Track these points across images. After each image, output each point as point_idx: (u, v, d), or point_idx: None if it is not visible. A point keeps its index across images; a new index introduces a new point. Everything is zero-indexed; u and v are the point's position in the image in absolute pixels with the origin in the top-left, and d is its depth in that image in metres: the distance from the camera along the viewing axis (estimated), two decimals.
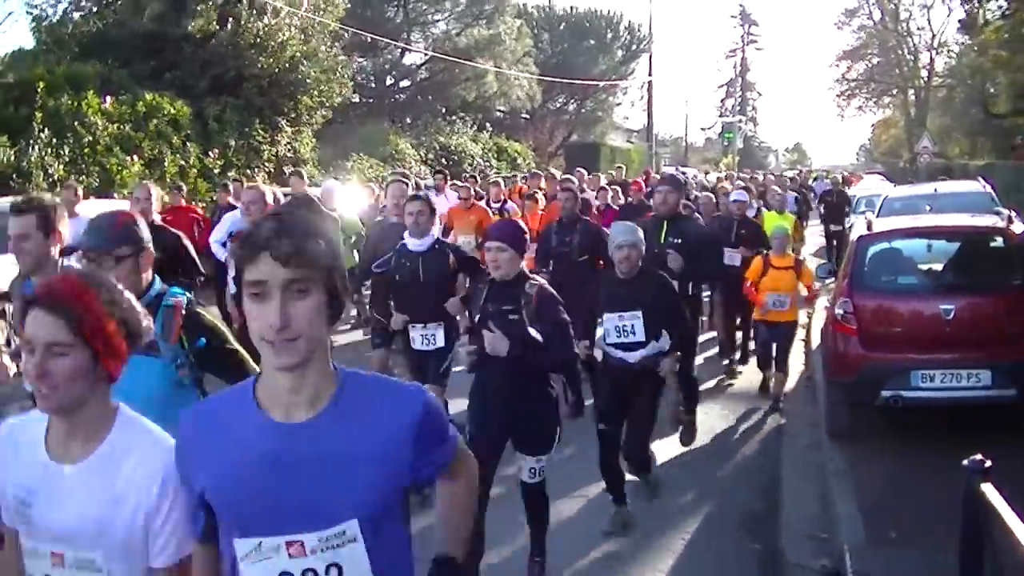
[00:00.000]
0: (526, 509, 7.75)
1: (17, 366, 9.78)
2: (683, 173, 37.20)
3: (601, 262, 11.79)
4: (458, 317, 9.65)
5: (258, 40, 33.14)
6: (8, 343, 9.67)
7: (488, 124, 57.06)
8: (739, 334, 15.62)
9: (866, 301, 11.20)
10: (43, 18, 31.84)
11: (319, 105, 36.39)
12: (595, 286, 9.26)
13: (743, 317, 15.03)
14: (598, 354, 9.29)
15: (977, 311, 10.75)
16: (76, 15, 33.07)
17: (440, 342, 9.49)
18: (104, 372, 3.44)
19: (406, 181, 12.85)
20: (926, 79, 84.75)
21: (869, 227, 12.24)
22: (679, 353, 9.17)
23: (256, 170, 32.14)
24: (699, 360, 14.10)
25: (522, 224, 7.68)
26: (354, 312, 18.03)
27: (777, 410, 12.88)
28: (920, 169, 45.26)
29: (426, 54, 61.38)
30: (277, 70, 33.82)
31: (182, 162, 28.49)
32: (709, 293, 15.71)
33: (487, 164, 49.67)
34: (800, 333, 16.94)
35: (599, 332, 9.16)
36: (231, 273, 9.34)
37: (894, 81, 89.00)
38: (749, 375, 14.42)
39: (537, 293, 7.18)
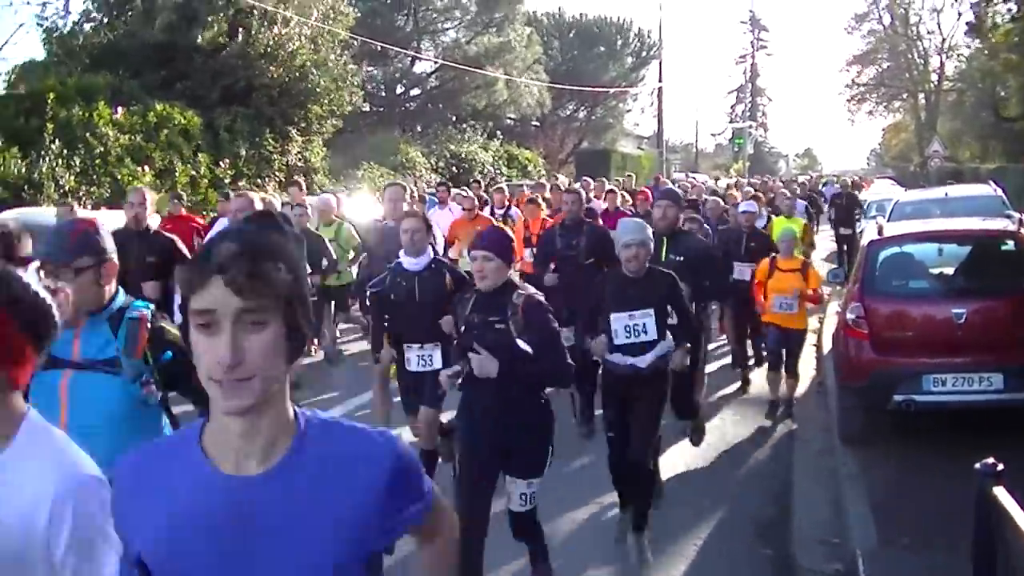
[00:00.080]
0: (516, 538, 7.40)
1: None
2: (692, 179, 37.12)
3: (605, 267, 11.38)
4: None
5: (268, 50, 33.20)
6: None
7: (499, 132, 57.05)
8: (749, 343, 15.37)
9: (878, 305, 11.19)
10: (54, 30, 31.92)
11: (329, 114, 36.46)
12: (600, 286, 8.79)
13: (754, 328, 14.66)
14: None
15: (989, 315, 10.73)
16: (87, 27, 33.15)
17: (437, 363, 8.94)
18: (4, 377, 2.97)
19: (403, 184, 12.89)
20: (936, 83, 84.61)
21: (880, 231, 12.23)
22: (689, 345, 8.78)
23: (267, 179, 32.23)
24: (710, 368, 14.13)
25: (509, 232, 7.37)
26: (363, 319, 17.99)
27: (790, 415, 12.83)
28: (931, 173, 45.20)
29: (436, 62, 61.41)
30: (287, 79, 33.90)
31: (193, 172, 28.57)
32: (717, 306, 15.56)
33: (498, 172, 49.71)
34: (811, 338, 16.95)
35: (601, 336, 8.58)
36: None
37: (904, 85, 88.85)
38: (761, 381, 14.38)
39: (524, 303, 6.88)
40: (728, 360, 15.65)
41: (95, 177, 25.12)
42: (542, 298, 7.14)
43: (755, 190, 24.82)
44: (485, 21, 63.29)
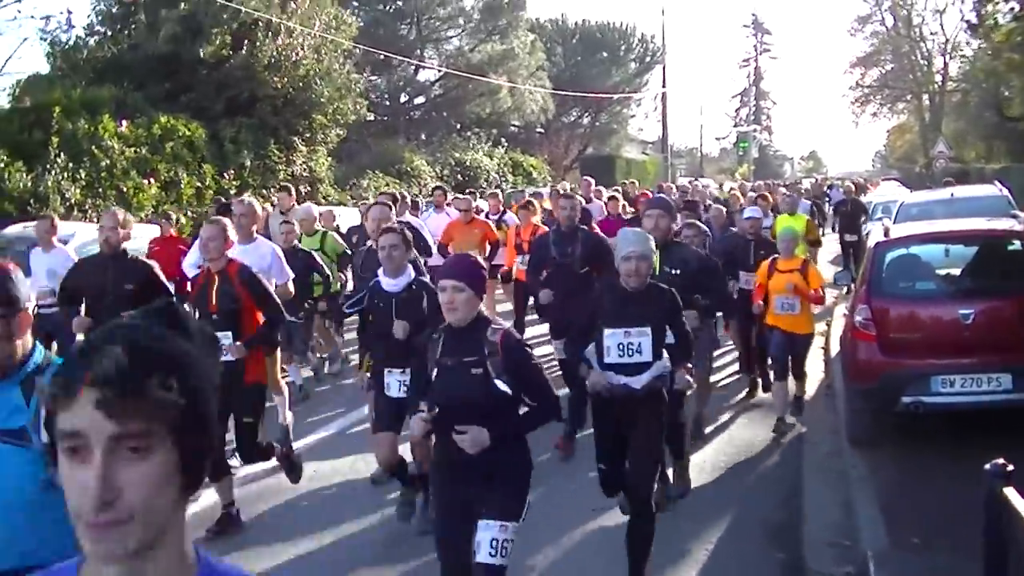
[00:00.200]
0: None
1: None
2: (695, 183, 37.01)
3: (601, 275, 11.18)
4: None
5: (272, 61, 33.25)
6: None
7: (503, 139, 57.12)
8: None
9: (885, 307, 11.17)
10: (57, 43, 31.98)
11: (333, 123, 36.47)
12: (596, 298, 8.22)
13: (759, 333, 13.97)
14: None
15: (996, 315, 10.71)
16: (91, 40, 33.21)
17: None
18: None
19: (389, 204, 12.29)
20: (940, 84, 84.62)
21: (886, 233, 12.21)
22: (690, 365, 8.10)
23: (272, 190, 32.25)
24: (715, 378, 14.11)
25: (480, 261, 6.64)
26: None
27: (799, 412, 12.83)
28: (936, 174, 45.17)
29: (440, 70, 61.51)
30: (291, 90, 33.94)
31: (198, 183, 28.60)
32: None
33: (503, 179, 49.76)
34: (819, 341, 16.93)
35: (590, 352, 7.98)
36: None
37: (908, 86, 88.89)
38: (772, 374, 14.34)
39: (502, 341, 6.18)
40: (735, 365, 15.62)
41: (100, 190, 25.19)
42: (516, 333, 6.60)
43: (756, 194, 24.48)
44: (488, 29, 63.37)
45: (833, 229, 29.04)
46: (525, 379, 6.23)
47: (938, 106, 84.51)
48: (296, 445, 11.86)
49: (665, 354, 7.86)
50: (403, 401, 8.15)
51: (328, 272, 14.72)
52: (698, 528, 9.27)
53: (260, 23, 33.11)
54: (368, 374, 9.46)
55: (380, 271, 9.10)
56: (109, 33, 33.31)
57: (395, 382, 8.78)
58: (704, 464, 11.27)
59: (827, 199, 37.67)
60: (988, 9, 28.70)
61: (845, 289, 19.53)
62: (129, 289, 9.72)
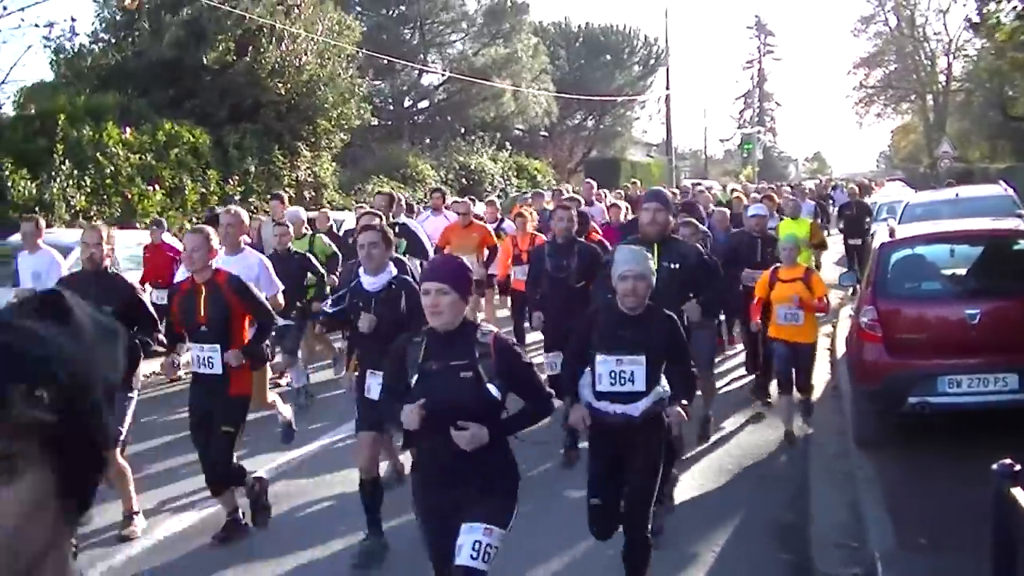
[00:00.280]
0: None
1: None
2: (698, 185, 36.85)
3: (589, 285, 10.92)
4: None
5: (276, 66, 33.26)
6: None
7: (507, 143, 57.00)
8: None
9: (890, 308, 11.17)
10: (61, 50, 32.01)
11: (337, 128, 36.48)
12: (589, 318, 7.71)
13: (763, 343, 13.60)
14: (585, 396, 7.45)
15: (1002, 315, 10.71)
16: (95, 47, 33.22)
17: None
18: None
19: (379, 215, 11.90)
20: (944, 83, 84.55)
21: (892, 234, 12.21)
22: (685, 402, 7.39)
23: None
24: (721, 383, 14.11)
25: (466, 263, 6.37)
26: None
27: (809, 412, 12.72)
28: (940, 174, 45.13)
29: (443, 75, 61.50)
30: (295, 95, 33.95)
31: (203, 190, 28.62)
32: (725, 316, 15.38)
33: (507, 183, 49.76)
34: (825, 342, 16.93)
35: (584, 378, 7.50)
36: None
37: (912, 87, 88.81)
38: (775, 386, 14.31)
39: (495, 344, 5.98)
40: (741, 370, 15.61)
41: (105, 196, 25.19)
42: (506, 335, 6.27)
43: (761, 194, 24.16)
44: (492, 32, 63.32)
45: (840, 229, 28.59)
46: (519, 379, 6.10)
47: (942, 106, 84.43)
48: (298, 453, 11.88)
49: (664, 379, 7.38)
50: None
51: (323, 272, 14.69)
52: (705, 529, 9.28)
53: (264, 29, 33.12)
54: (355, 375, 9.22)
55: (361, 270, 8.86)
56: (113, 40, 33.33)
57: (376, 385, 8.19)
58: (711, 466, 11.30)
59: (831, 200, 37.56)
60: (990, 8, 28.63)
61: (850, 290, 19.53)
62: (108, 310, 9.26)
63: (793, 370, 12.26)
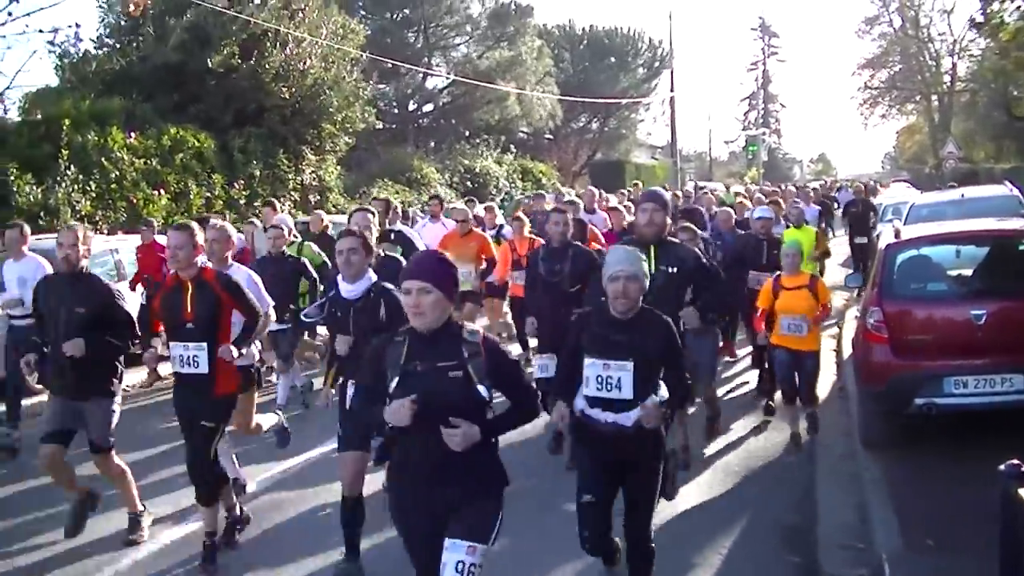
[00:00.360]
0: None
1: None
2: (702, 187, 36.77)
3: (583, 290, 10.47)
4: None
5: (280, 70, 33.29)
6: None
7: (512, 146, 57.08)
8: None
9: (896, 309, 11.14)
10: (66, 55, 32.06)
11: (342, 132, 36.50)
12: (582, 318, 7.27)
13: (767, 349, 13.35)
14: (577, 402, 7.06)
15: (1008, 315, 10.67)
16: (100, 53, 33.26)
17: None
18: None
19: (372, 211, 11.40)
20: (949, 84, 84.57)
21: (897, 235, 12.18)
22: (668, 410, 7.06)
23: (282, 199, 32.31)
24: (721, 391, 14.06)
25: (449, 259, 5.92)
26: None
27: (815, 430, 12.21)
28: (946, 175, 45.11)
29: (448, 78, 61.56)
30: (300, 99, 33.98)
31: (208, 194, 28.65)
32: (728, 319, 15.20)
33: (512, 186, 49.78)
34: (831, 343, 16.91)
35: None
36: None
37: (917, 87, 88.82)
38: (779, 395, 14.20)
39: (484, 344, 5.71)
40: (747, 374, 15.57)
41: (111, 201, 25.24)
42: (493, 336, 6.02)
43: (766, 197, 23.83)
44: (496, 35, 63.40)
45: (845, 227, 28.27)
46: (508, 379, 5.83)
47: (947, 107, 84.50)
48: (296, 460, 11.80)
49: (663, 387, 6.97)
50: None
51: (315, 276, 14.59)
52: (711, 531, 9.26)
53: (268, 33, 33.14)
54: (333, 390, 8.86)
55: (339, 277, 8.51)
56: (117, 45, 33.39)
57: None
58: (717, 467, 11.29)
59: (835, 202, 37.47)
60: (994, 8, 28.60)
61: (856, 292, 19.50)
62: (80, 312, 9.13)
63: (796, 376, 12.02)
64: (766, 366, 13.76)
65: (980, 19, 31.73)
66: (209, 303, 8.68)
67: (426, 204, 29.94)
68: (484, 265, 16.48)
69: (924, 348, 10.84)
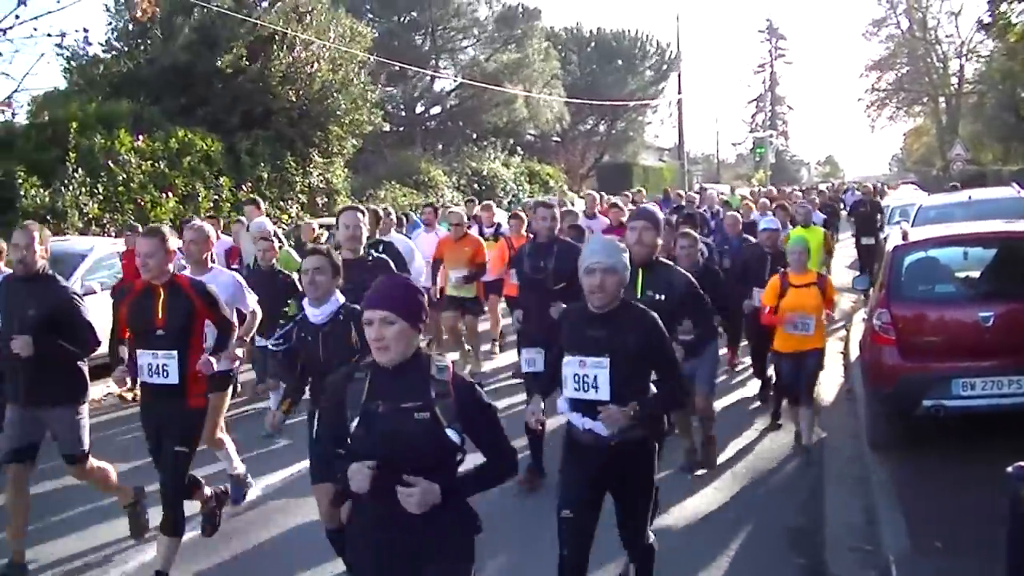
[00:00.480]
0: None
1: None
2: (705, 189, 36.68)
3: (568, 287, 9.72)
4: None
5: (288, 73, 33.32)
6: None
7: (519, 148, 57.11)
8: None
9: (904, 311, 11.13)
10: (75, 57, 32.11)
11: (349, 135, 36.51)
12: (564, 314, 6.96)
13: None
14: (561, 405, 6.71)
15: (1016, 317, 10.65)
16: (108, 56, 33.31)
17: None
18: None
19: (361, 210, 10.50)
20: (956, 86, 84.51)
21: (905, 237, 12.16)
22: (651, 412, 6.47)
23: (289, 202, 32.34)
24: (716, 402, 14.00)
25: (417, 285, 5.37)
26: None
27: (809, 451, 11.63)
28: (953, 177, 45.04)
29: (455, 80, 61.62)
30: (307, 101, 34.00)
31: (216, 197, 28.68)
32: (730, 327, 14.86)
33: (519, 188, 49.79)
34: (838, 345, 16.89)
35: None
36: None
37: (924, 89, 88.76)
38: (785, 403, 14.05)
39: (454, 381, 5.00)
40: (747, 377, 15.49)
41: (118, 204, 25.27)
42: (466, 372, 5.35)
43: (771, 201, 23.25)
44: (503, 38, 63.50)
45: (851, 226, 27.92)
46: (480, 428, 5.08)
47: (954, 108, 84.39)
48: (285, 473, 11.62)
49: (653, 390, 6.53)
50: None
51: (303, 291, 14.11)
52: (719, 532, 9.26)
53: (276, 36, 33.17)
54: (284, 415, 8.26)
55: (306, 301, 7.97)
56: (125, 49, 33.44)
57: None
58: (724, 469, 11.27)
59: (842, 204, 37.40)
60: (1002, 9, 28.60)
61: (863, 294, 19.45)
62: (32, 316, 8.60)
63: (798, 376, 11.72)
64: (768, 376, 13.57)
65: (988, 20, 31.72)
66: (182, 310, 8.25)
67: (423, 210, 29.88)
68: (475, 271, 16.21)
69: (932, 350, 10.83)
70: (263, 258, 13.35)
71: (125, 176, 25.66)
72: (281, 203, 31.98)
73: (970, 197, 19.78)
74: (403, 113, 61.78)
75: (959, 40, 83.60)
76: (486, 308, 17.82)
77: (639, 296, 7.81)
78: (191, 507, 9.02)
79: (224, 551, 9.33)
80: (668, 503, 9.56)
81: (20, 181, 22.94)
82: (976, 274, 12.24)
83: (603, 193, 28.57)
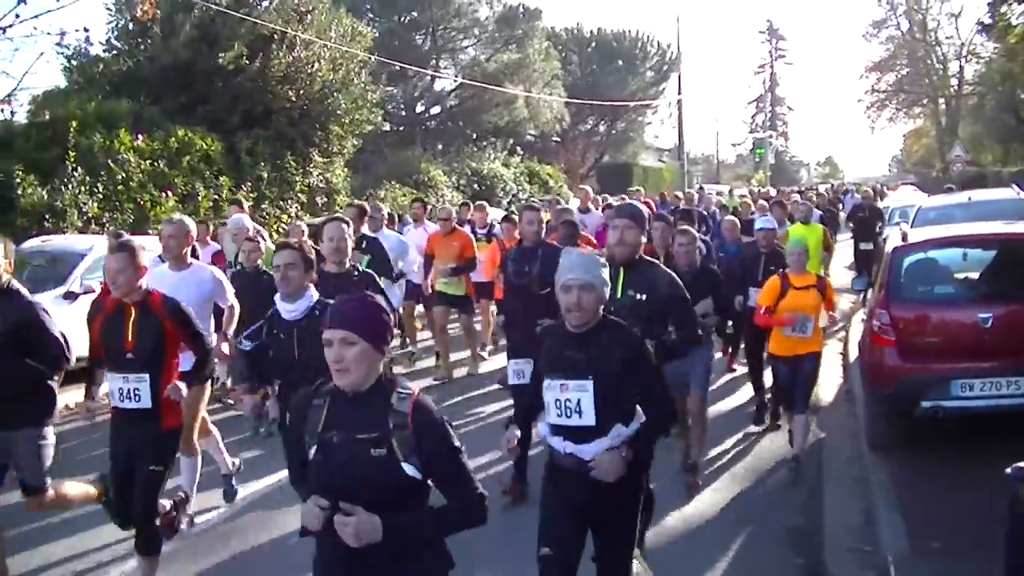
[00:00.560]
0: None
1: None
2: (702, 189, 36.65)
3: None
4: None
5: (288, 72, 33.30)
6: None
7: (519, 148, 57.08)
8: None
9: (903, 312, 11.14)
10: (75, 56, 32.09)
11: (349, 134, 36.49)
12: (542, 334, 6.38)
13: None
14: (541, 429, 6.25)
15: (1015, 318, 10.66)
16: (108, 55, 33.29)
17: None
18: None
19: (346, 220, 9.97)
20: (956, 87, 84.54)
21: (904, 238, 12.18)
22: (641, 446, 6.05)
23: (289, 201, 32.31)
24: (716, 404, 13.98)
25: (380, 302, 4.75)
26: None
27: (798, 462, 11.17)
28: (953, 178, 45.06)
29: (456, 80, 61.61)
30: (307, 101, 33.98)
31: (215, 196, 28.66)
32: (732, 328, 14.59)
33: (519, 188, 49.76)
34: (837, 346, 16.89)
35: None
36: None
37: (924, 91, 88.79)
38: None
39: (413, 411, 4.51)
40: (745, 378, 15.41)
41: (117, 203, 25.22)
42: (429, 399, 4.70)
43: (768, 201, 22.79)
44: (504, 38, 63.44)
45: (849, 231, 27.43)
46: (439, 467, 4.57)
47: (954, 110, 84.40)
48: (283, 474, 11.28)
49: (640, 415, 6.04)
50: None
51: None
52: (718, 533, 9.28)
53: (276, 36, 33.14)
54: (262, 401, 8.13)
55: (278, 296, 7.77)
56: (126, 48, 33.41)
57: None
58: (724, 470, 11.29)
59: (841, 206, 37.34)
60: (1002, 10, 28.63)
61: (862, 295, 19.45)
62: None
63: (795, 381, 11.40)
64: (761, 383, 13.45)
65: (988, 22, 31.75)
66: (152, 332, 7.86)
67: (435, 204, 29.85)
68: (461, 263, 16.07)
69: (931, 351, 10.84)
70: (248, 259, 13.07)
71: (125, 175, 25.60)
72: (281, 203, 31.92)
73: (970, 198, 19.80)
74: (403, 113, 61.73)
75: (959, 42, 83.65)
76: (478, 309, 17.78)
77: (619, 296, 7.41)
78: (202, 503, 9.01)
79: (223, 551, 9.33)
80: (667, 504, 9.57)
81: (18, 180, 22.91)
82: (975, 275, 12.25)
83: (605, 196, 28.52)
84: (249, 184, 30.53)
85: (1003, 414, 10.55)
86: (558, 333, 6.10)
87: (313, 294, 7.66)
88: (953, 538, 8.25)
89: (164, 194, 26.70)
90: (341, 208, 32.40)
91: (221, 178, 29.40)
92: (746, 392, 14.61)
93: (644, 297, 7.57)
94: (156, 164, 26.98)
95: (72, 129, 25.03)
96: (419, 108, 63.85)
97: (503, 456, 6.31)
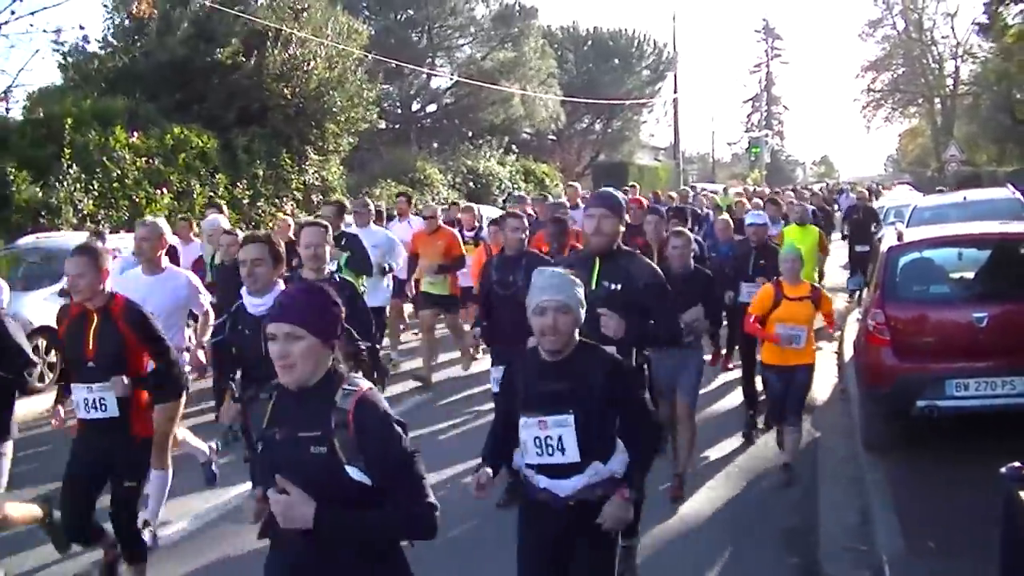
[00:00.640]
0: None
1: None
2: (692, 188, 36.55)
3: None
4: None
5: (284, 70, 33.28)
6: None
7: (515, 146, 57.06)
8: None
9: (898, 312, 11.14)
10: (72, 53, 32.06)
11: (345, 132, 36.46)
12: (515, 366, 5.85)
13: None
14: (516, 459, 5.72)
15: (1010, 318, 10.66)
16: (103, 52, 33.25)
17: None
18: None
19: (324, 225, 9.31)
20: (952, 87, 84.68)
21: (899, 237, 12.17)
22: (634, 485, 5.57)
23: (284, 199, 32.28)
24: (714, 404, 13.96)
25: (330, 293, 4.49)
26: None
27: (790, 471, 10.89)
28: (948, 177, 45.09)
29: (452, 78, 61.54)
30: (303, 98, 33.96)
31: (211, 194, 28.64)
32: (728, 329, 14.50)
33: (515, 187, 49.75)
34: (832, 346, 16.89)
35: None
36: None
37: (920, 90, 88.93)
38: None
39: (355, 408, 4.20)
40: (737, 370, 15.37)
41: (113, 200, 25.20)
42: (380, 397, 4.39)
43: (763, 201, 22.59)
44: (500, 36, 63.33)
45: (843, 237, 27.18)
46: (384, 469, 4.22)
47: (950, 110, 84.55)
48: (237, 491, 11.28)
49: (619, 447, 5.62)
50: None
51: None
52: (713, 532, 9.27)
53: (271, 33, 33.11)
54: (235, 403, 7.85)
55: (244, 290, 7.58)
56: (121, 44, 33.37)
57: None
58: (718, 470, 11.27)
59: (836, 205, 37.34)
60: (998, 10, 28.68)
61: (856, 295, 19.44)
62: None
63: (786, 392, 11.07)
64: (754, 391, 13.00)
65: (984, 22, 31.80)
66: (113, 339, 7.57)
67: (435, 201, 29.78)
68: (447, 261, 15.85)
69: (926, 350, 10.84)
70: (227, 252, 12.80)
71: (120, 172, 25.58)
72: (276, 200, 31.89)
73: (965, 198, 19.84)
74: (399, 111, 61.67)
75: (955, 41, 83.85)
76: (465, 313, 17.61)
77: (594, 287, 7.03)
78: (186, 508, 8.96)
79: (219, 552, 9.28)
80: (661, 503, 9.58)
81: (13, 177, 22.88)
82: (970, 275, 12.25)
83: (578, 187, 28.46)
84: (245, 181, 30.52)
85: (998, 414, 10.56)
86: (530, 365, 5.61)
87: (282, 287, 7.29)
88: (948, 538, 8.25)
89: (160, 191, 26.68)
90: None
91: (217, 175, 29.38)
92: (740, 393, 14.57)
93: (619, 287, 7.21)
94: (152, 161, 26.97)
95: (67, 126, 24.99)
96: (415, 106, 63.76)
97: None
